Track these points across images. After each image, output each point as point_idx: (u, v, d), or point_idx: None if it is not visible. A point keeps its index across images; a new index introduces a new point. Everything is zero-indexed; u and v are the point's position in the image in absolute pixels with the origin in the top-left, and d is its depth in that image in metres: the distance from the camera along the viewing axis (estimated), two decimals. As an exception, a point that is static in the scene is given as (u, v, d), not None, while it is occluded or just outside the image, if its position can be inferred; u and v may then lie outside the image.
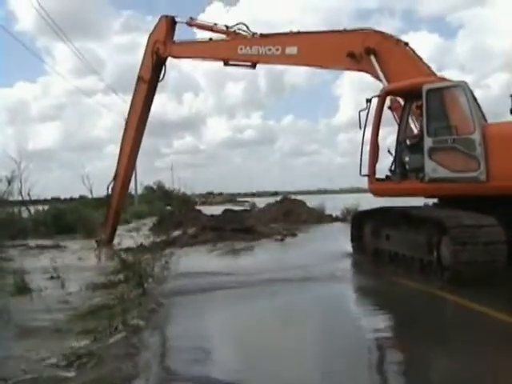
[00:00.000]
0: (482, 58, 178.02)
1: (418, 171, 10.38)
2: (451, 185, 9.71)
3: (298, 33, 13.40)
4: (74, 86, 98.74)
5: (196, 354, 5.45)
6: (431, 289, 8.20)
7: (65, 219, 20.99)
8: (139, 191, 46.53)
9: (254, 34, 14.35)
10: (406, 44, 11.71)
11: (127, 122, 17.61)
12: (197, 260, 13.34)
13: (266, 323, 6.97)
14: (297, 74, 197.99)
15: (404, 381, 4.79)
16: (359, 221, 13.03)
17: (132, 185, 46.69)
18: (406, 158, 10.89)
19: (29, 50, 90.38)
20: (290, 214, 25.09)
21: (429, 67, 11.51)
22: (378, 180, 11.46)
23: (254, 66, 14.70)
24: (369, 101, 11.26)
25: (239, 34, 14.64)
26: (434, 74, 11.31)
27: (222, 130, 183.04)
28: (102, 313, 6.84)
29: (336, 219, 25.53)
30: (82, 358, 5.04)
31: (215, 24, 15.14)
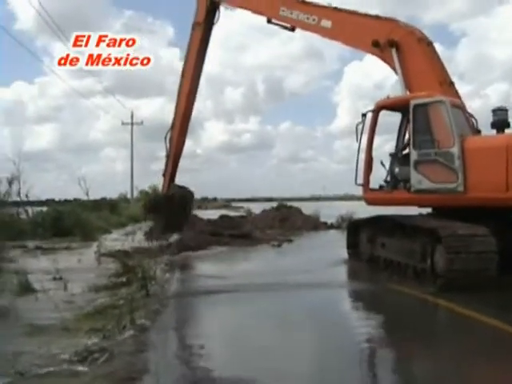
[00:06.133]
0: (483, 67, 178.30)
1: (406, 182, 10.85)
2: (433, 195, 10.23)
3: (335, 9, 13.76)
4: (71, 88, 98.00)
5: (199, 352, 5.70)
6: (424, 294, 8.47)
7: (63, 221, 21.07)
8: (135, 195, 46.62)
9: None
10: (430, 43, 11.94)
11: (183, 72, 18.58)
12: (196, 264, 13.60)
13: (264, 324, 7.21)
14: (296, 81, 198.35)
15: (389, 380, 5.05)
16: (355, 228, 13.36)
17: (128, 189, 46.91)
18: (396, 170, 11.43)
19: (27, 50, 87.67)
20: (285, 221, 25.32)
21: (445, 70, 11.77)
22: (372, 189, 11.89)
23: (293, 29, 15.33)
24: (364, 115, 11.73)
25: None
26: (449, 77, 11.64)
27: (219, 135, 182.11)
28: (109, 313, 7.06)
29: (331, 227, 25.82)
30: (93, 354, 5.24)
31: None
